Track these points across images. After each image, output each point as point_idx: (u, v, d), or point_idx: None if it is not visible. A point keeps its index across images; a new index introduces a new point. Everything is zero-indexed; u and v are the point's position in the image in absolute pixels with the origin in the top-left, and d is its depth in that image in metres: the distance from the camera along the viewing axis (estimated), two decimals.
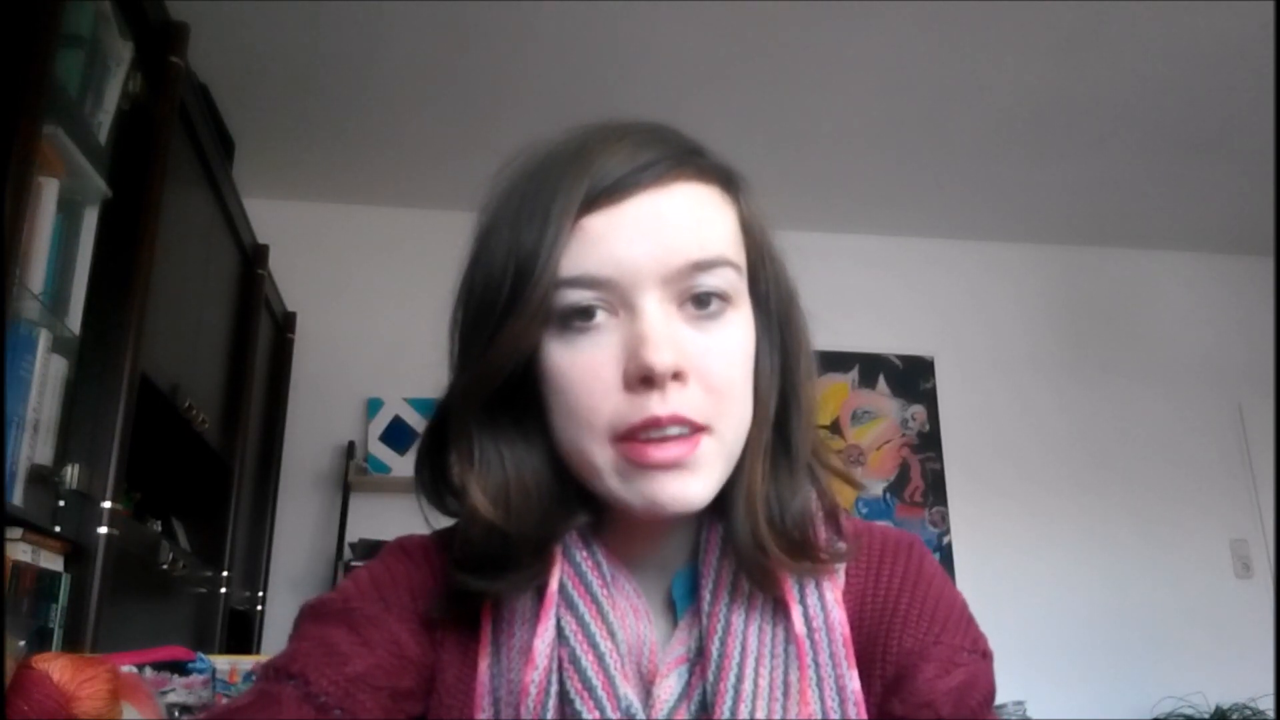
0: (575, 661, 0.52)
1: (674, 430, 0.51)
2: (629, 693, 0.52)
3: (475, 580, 0.55)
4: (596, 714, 0.51)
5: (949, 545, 3.28)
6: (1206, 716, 3.01)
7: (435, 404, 0.62)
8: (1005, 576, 3.25)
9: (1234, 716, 2.98)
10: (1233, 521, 3.42)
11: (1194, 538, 3.37)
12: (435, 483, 0.60)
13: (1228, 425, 3.54)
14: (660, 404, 0.51)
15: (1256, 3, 2.37)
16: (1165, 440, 3.48)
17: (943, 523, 3.32)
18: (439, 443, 0.61)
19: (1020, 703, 2.78)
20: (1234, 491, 3.46)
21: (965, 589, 0.71)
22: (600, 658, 0.52)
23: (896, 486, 3.35)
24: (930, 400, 3.45)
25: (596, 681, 0.52)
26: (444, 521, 0.62)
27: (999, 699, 0.58)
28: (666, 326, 0.52)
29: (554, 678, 0.53)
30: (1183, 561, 3.34)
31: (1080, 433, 3.46)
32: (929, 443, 3.40)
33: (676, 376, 0.51)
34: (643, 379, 0.50)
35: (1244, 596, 3.32)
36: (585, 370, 0.52)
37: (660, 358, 0.50)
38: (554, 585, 0.55)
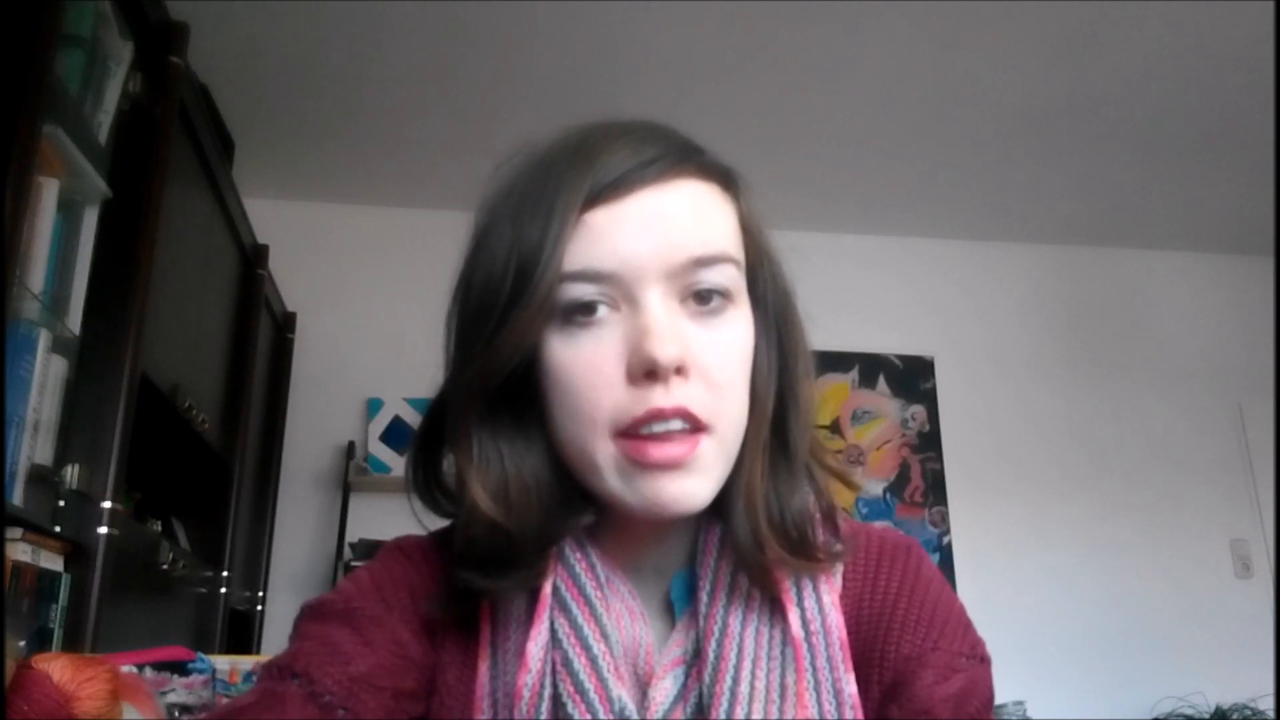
0: (568, 664, 0.52)
1: (676, 424, 0.51)
2: (623, 695, 0.52)
3: (478, 579, 0.54)
4: (588, 717, 0.50)
5: (949, 545, 3.28)
6: (1206, 716, 3.01)
7: (429, 404, 0.62)
8: (1005, 577, 3.24)
9: (1234, 716, 2.98)
10: (1233, 521, 3.42)
11: (1194, 538, 3.37)
12: (428, 482, 0.60)
13: (1228, 425, 3.53)
14: (663, 396, 0.50)
15: (1257, 3, 2.37)
16: (1165, 440, 3.48)
17: (942, 523, 3.31)
18: (432, 442, 0.61)
19: (1020, 703, 2.78)
20: (1234, 491, 3.45)
21: (965, 589, 0.72)
22: (593, 660, 0.52)
23: (896, 486, 3.35)
24: (930, 400, 3.45)
25: (589, 684, 0.51)
26: (439, 522, 0.62)
27: (999, 699, 0.58)
28: (669, 320, 0.52)
29: (547, 680, 0.52)
30: (1183, 561, 3.34)
31: (1080, 433, 3.46)
32: (929, 443, 3.40)
33: (679, 370, 0.51)
34: (646, 372, 0.50)
35: (1244, 596, 3.32)
36: (587, 365, 0.52)
37: (665, 350, 0.50)
38: (547, 588, 0.55)
